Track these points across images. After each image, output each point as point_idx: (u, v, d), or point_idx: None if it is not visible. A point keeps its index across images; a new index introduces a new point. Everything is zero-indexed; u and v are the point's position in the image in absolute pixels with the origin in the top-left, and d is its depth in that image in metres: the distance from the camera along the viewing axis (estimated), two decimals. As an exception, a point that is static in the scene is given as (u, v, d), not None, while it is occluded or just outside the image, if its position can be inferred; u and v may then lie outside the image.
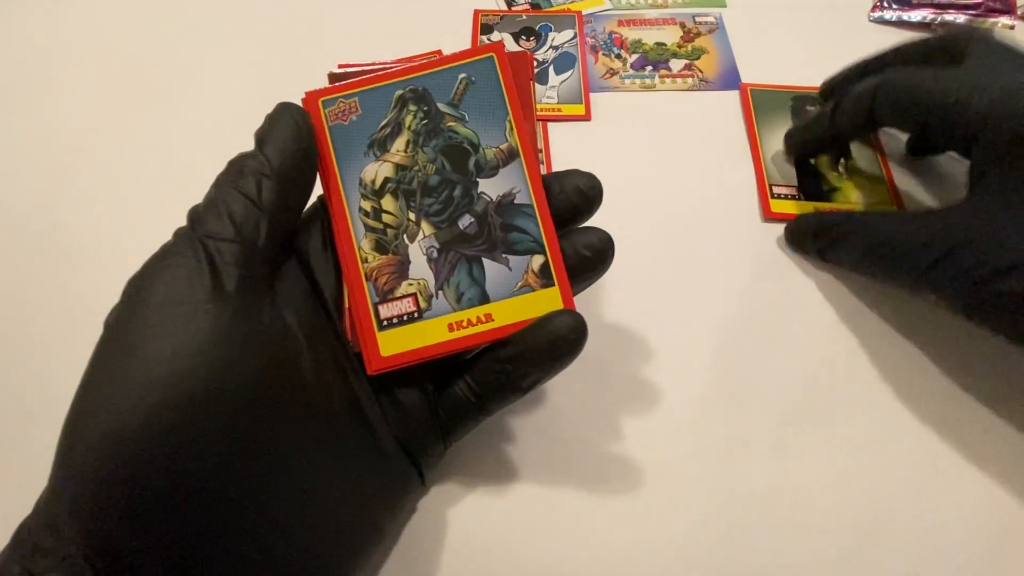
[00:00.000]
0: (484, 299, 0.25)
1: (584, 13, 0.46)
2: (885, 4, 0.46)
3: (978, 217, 0.28)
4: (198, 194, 0.39)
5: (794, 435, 0.30)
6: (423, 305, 0.25)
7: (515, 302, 0.25)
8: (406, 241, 0.25)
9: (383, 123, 0.26)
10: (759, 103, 0.41)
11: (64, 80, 0.42)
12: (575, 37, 0.44)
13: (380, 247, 0.25)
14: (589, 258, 0.26)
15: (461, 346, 0.25)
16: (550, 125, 0.40)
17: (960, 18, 0.45)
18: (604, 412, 0.31)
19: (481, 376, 0.25)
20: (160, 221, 0.37)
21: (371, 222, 0.25)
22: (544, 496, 0.29)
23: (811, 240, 0.34)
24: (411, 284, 0.25)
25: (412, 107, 0.26)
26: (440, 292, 0.25)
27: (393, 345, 0.25)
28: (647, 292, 0.34)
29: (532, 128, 0.26)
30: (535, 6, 0.46)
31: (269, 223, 0.23)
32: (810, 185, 0.38)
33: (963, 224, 0.28)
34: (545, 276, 0.25)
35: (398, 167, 0.26)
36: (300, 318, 0.24)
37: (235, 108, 0.41)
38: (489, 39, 0.44)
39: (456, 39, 0.44)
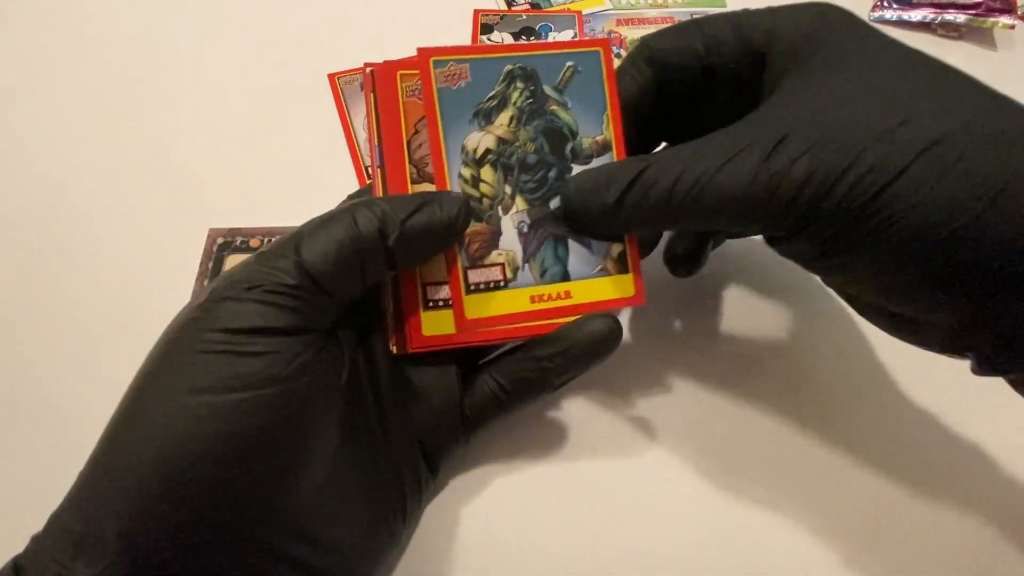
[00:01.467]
0: (565, 277, 0.27)
1: (584, 13, 0.46)
2: (885, 3, 0.46)
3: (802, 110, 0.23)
4: (198, 192, 0.39)
5: (794, 434, 0.30)
6: (509, 275, 0.26)
7: (592, 283, 0.27)
8: (500, 213, 0.26)
9: (491, 94, 0.26)
10: None
11: (63, 79, 0.42)
12: (575, 37, 0.44)
13: (475, 215, 0.26)
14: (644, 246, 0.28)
15: (541, 318, 0.26)
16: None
17: (960, 17, 0.45)
18: (603, 407, 0.31)
19: (513, 373, 0.26)
20: (159, 220, 0.37)
21: (469, 189, 0.26)
22: (547, 491, 0.29)
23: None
24: (500, 254, 0.26)
25: (520, 84, 0.26)
26: (526, 265, 0.26)
27: (479, 309, 0.26)
28: (649, 290, 0.34)
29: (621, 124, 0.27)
30: (535, 6, 0.46)
31: (366, 280, 0.23)
32: None
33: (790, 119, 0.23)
34: (622, 263, 0.27)
35: (500, 140, 0.26)
36: (350, 339, 0.24)
37: (235, 107, 0.41)
38: (489, 39, 0.44)
39: (456, 39, 0.44)
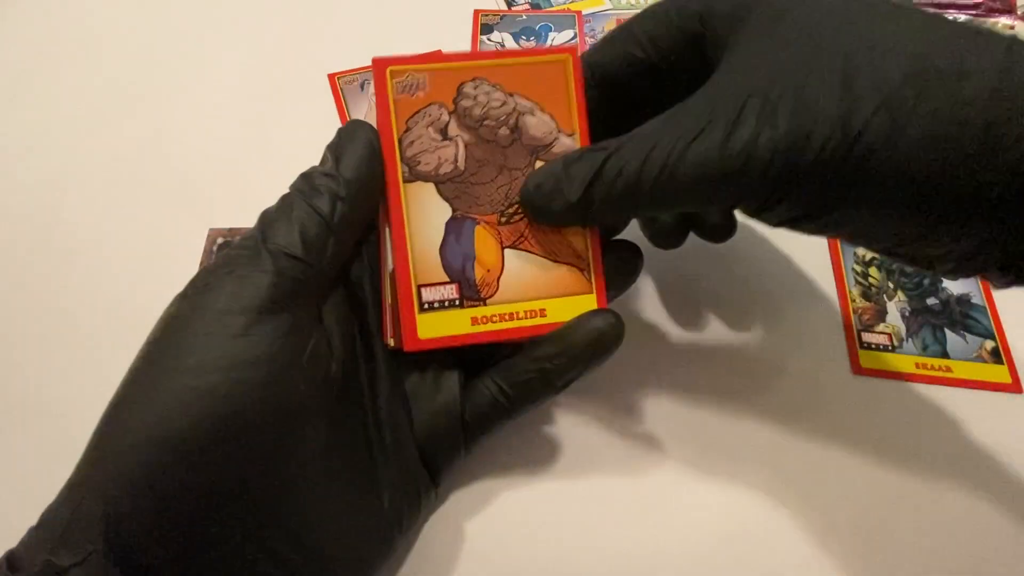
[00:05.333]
0: (945, 355, 0.32)
1: (584, 13, 0.46)
2: (885, 4, 0.46)
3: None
4: (198, 190, 0.39)
5: (793, 433, 0.30)
6: (896, 343, 0.32)
7: (971, 365, 0.32)
8: (885, 299, 0.33)
9: None
10: None
11: (62, 79, 0.42)
12: (575, 37, 0.44)
13: (866, 296, 0.33)
14: (623, 266, 0.28)
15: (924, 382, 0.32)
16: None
17: (960, 17, 0.45)
18: (602, 411, 0.31)
19: (514, 376, 0.26)
20: (158, 221, 0.37)
21: (860, 279, 0.34)
22: (547, 500, 0.29)
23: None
24: (887, 327, 0.33)
25: None
26: (910, 339, 0.32)
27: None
28: (646, 293, 0.34)
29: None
30: (535, 6, 0.46)
31: (336, 243, 0.23)
32: None
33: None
34: (996, 356, 0.32)
35: None
36: (340, 330, 0.24)
37: (235, 107, 0.41)
38: (489, 39, 0.44)
39: (456, 39, 0.44)
